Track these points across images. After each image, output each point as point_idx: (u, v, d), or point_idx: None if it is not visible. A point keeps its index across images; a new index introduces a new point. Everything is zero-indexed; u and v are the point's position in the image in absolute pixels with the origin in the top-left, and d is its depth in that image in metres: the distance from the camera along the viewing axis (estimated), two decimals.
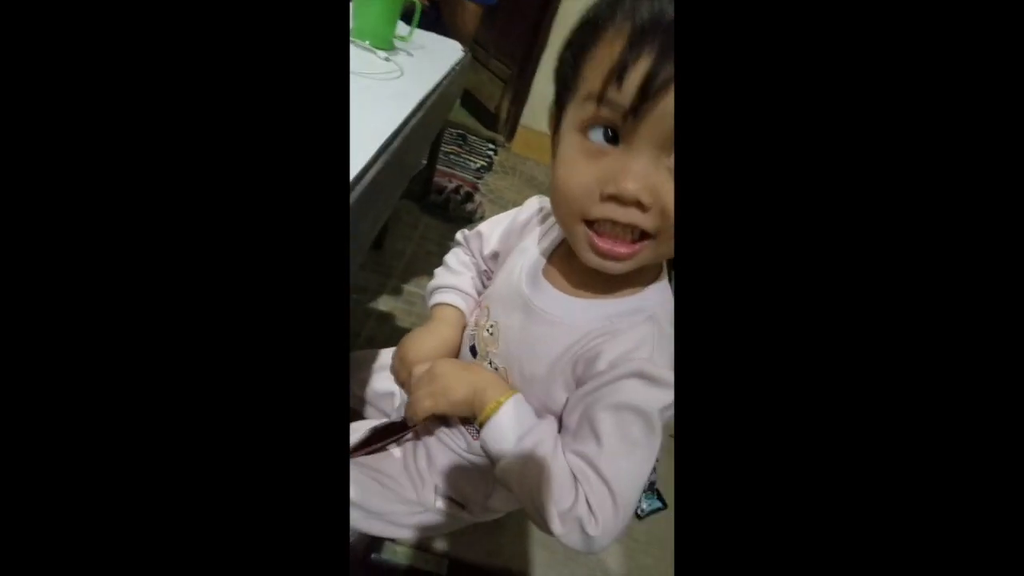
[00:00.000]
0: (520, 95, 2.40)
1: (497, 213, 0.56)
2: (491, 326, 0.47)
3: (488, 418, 0.39)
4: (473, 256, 0.57)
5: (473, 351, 0.49)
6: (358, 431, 0.61)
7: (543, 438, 0.38)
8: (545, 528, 0.37)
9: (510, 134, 2.49)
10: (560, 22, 2.16)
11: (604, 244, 0.34)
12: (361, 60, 0.82)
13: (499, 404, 0.39)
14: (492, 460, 0.40)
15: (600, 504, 0.35)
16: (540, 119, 2.29)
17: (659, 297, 0.41)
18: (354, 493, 0.56)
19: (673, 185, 0.31)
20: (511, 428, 0.38)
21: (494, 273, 0.55)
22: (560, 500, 0.36)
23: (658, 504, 0.98)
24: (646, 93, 0.29)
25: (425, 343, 0.49)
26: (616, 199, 0.32)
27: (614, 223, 0.33)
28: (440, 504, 0.55)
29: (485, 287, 0.56)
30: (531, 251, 0.48)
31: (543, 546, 0.67)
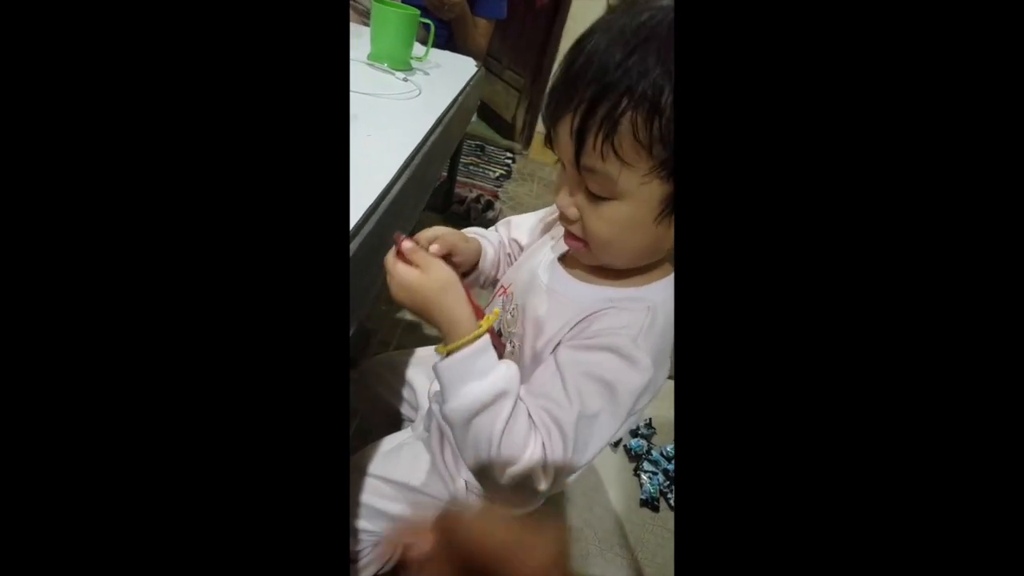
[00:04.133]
0: (535, 103, 2.43)
1: None
2: (514, 308, 0.53)
3: (457, 349, 0.40)
4: (500, 236, 0.64)
5: (499, 334, 0.54)
6: (396, 438, 0.65)
7: (510, 383, 0.40)
8: (486, 476, 0.39)
9: (527, 142, 2.53)
10: (569, 29, 2.19)
11: (567, 240, 0.45)
12: (380, 82, 0.86)
13: (470, 340, 0.40)
14: (445, 393, 0.41)
15: (555, 458, 0.38)
16: None
17: (664, 293, 0.45)
18: (386, 506, 0.59)
19: (590, 201, 0.39)
20: (479, 366, 0.40)
21: (516, 259, 0.61)
22: (514, 448, 0.38)
23: None
24: (551, 122, 0.38)
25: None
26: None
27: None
28: (472, 498, 0.58)
29: (511, 265, 0.62)
30: (555, 246, 0.54)
31: (577, 539, 0.69)
